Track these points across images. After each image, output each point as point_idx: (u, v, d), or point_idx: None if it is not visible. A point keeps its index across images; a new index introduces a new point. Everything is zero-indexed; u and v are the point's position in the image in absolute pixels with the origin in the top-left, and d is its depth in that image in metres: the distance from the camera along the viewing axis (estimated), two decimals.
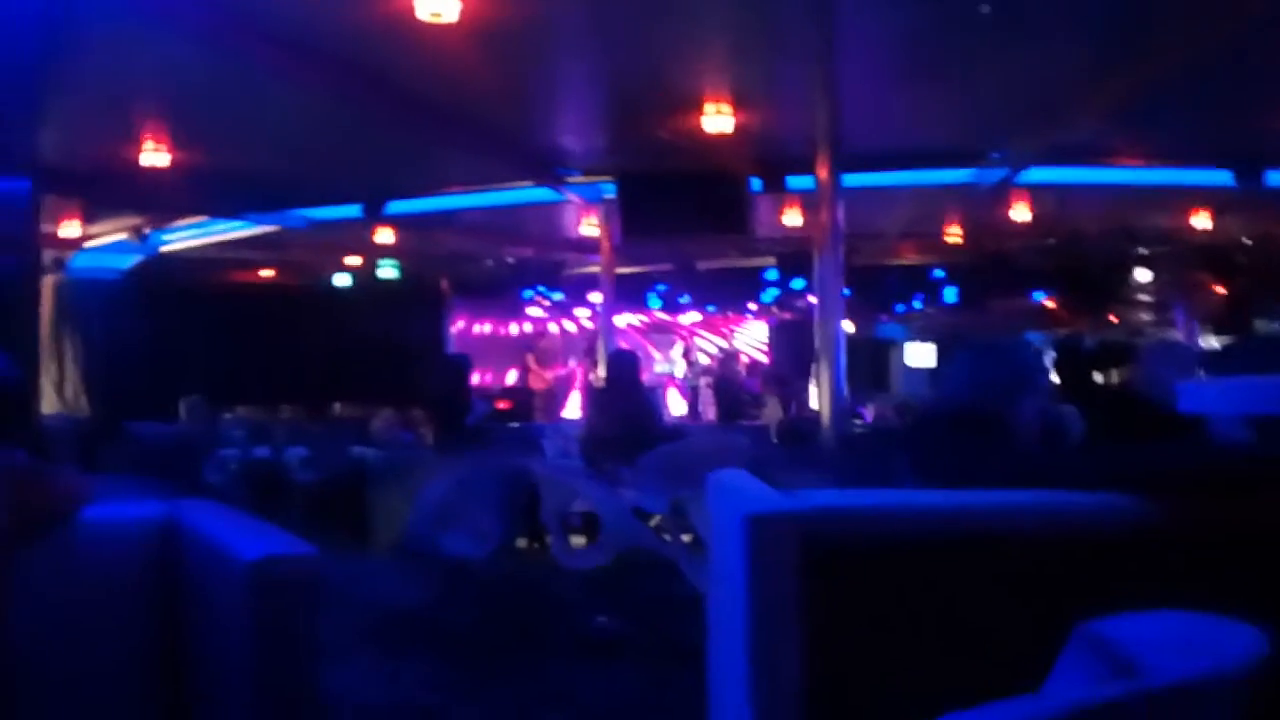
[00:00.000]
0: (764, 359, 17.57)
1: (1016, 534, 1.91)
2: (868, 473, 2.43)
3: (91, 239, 11.11)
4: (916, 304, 15.79)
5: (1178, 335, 14.43)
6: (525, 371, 15.69)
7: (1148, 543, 1.89)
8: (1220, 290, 13.67)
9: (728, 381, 15.37)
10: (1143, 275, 14.07)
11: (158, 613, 2.01)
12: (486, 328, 17.18)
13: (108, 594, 2.01)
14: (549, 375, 15.43)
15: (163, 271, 12.13)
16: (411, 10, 4.97)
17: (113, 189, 8.83)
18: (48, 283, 10.98)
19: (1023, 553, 1.89)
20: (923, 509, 1.95)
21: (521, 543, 5.92)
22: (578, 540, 5.51)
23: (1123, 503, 1.91)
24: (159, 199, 9.43)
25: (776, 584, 1.85)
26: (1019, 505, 1.94)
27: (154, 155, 7.68)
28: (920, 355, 16.37)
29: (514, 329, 17.29)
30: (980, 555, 1.88)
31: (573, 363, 16.14)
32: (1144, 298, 15.39)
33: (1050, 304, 15.39)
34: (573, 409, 15.02)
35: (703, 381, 16.27)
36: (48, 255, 10.78)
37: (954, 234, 12.15)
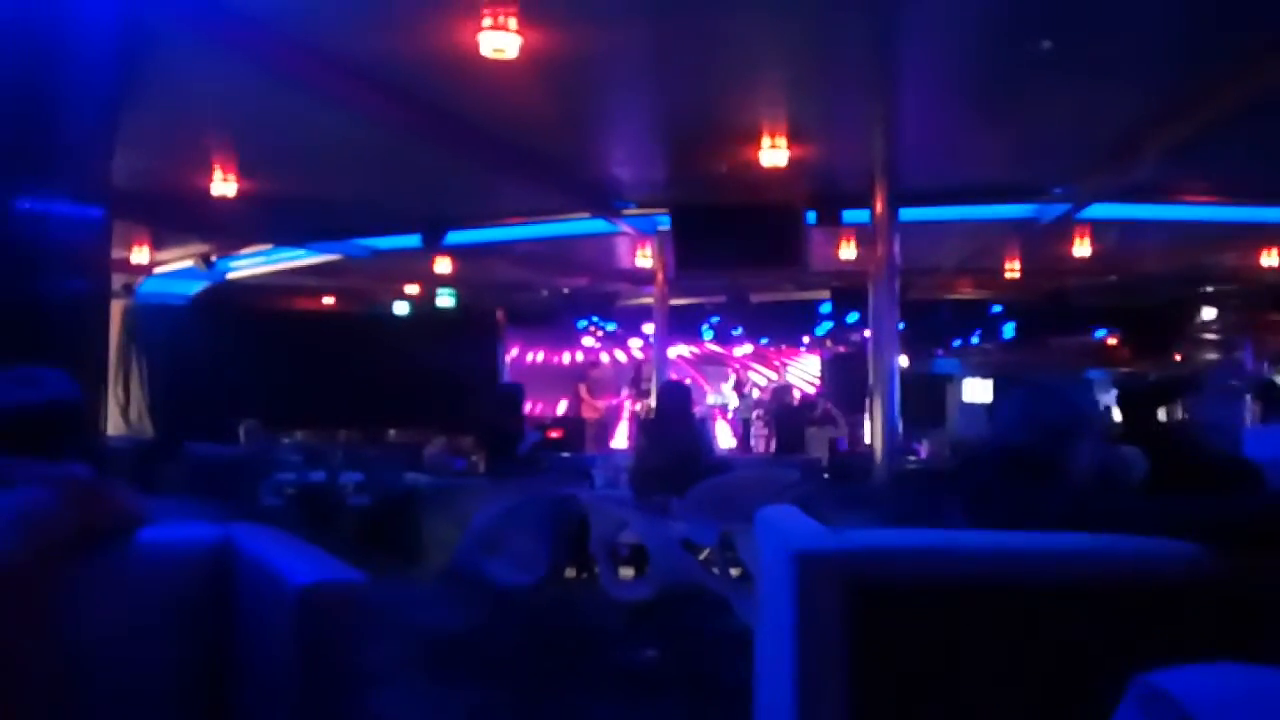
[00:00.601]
0: (815, 386, 17.47)
1: (1071, 579, 1.86)
2: (919, 512, 2.39)
3: (160, 265, 11.42)
4: (974, 340, 15.62)
5: (1231, 358, 14.07)
6: (577, 401, 15.76)
7: (1208, 593, 1.83)
8: None
9: (782, 413, 15.28)
10: (1209, 314, 13.77)
11: (209, 634, 2.04)
12: (539, 356, 17.30)
13: (161, 613, 2.05)
14: (601, 405, 15.48)
15: (227, 298, 12.43)
16: (475, 47, 5.07)
17: (181, 216, 9.08)
18: (117, 307, 11.30)
19: (1078, 599, 1.84)
20: (974, 551, 1.92)
21: (570, 572, 5.92)
22: (625, 571, 5.49)
23: (1183, 550, 1.86)
24: (226, 227, 9.68)
25: (824, 623, 1.83)
26: (1074, 550, 1.90)
27: (222, 184, 7.90)
28: (977, 391, 16.15)
29: (566, 358, 17.39)
30: (1033, 600, 1.84)
31: (624, 393, 16.17)
32: (1210, 336, 15.06)
33: (1112, 342, 15.11)
34: (620, 439, 15.03)
35: (755, 414, 16.19)
36: (118, 280, 11.11)
37: (1012, 269, 12.00)
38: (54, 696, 1.83)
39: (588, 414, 15.15)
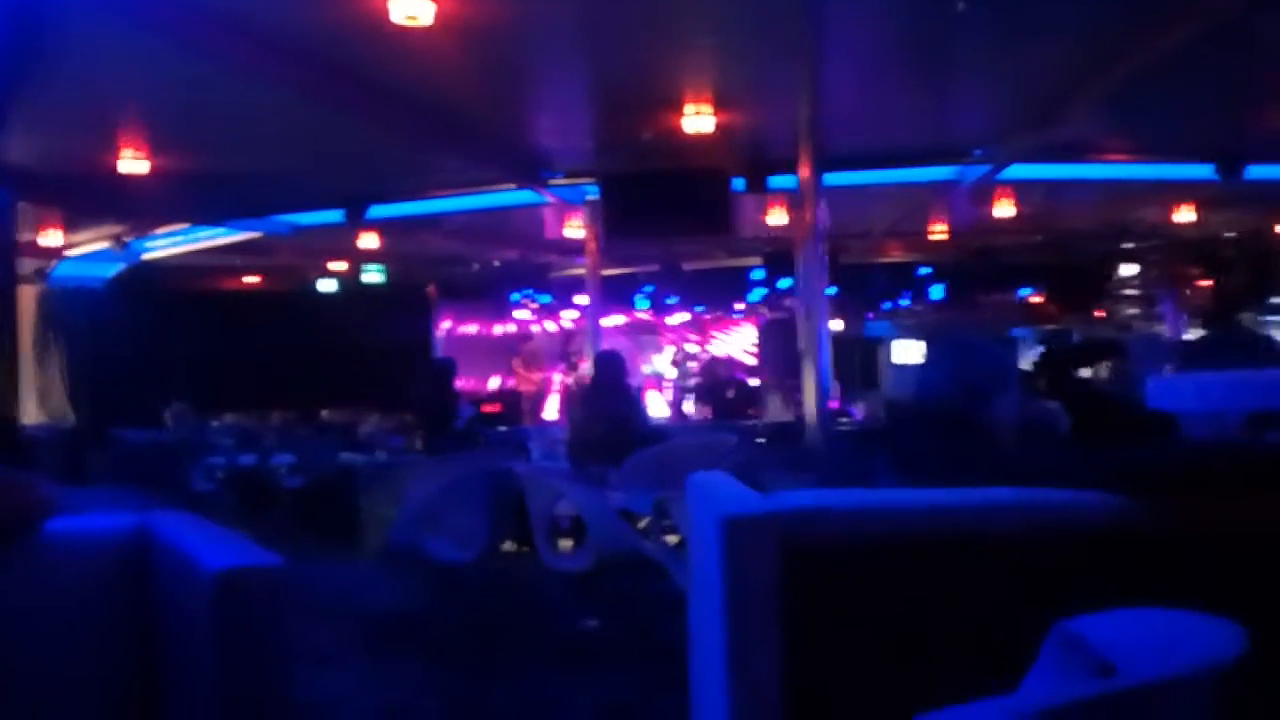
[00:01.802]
0: (752, 361, 17.58)
1: (996, 533, 1.89)
2: (851, 472, 2.41)
3: (73, 248, 11.06)
4: (904, 301, 15.84)
5: (1164, 329, 14.49)
6: (512, 375, 15.67)
7: (1127, 541, 1.87)
8: (1207, 284, 13.73)
9: (715, 381, 15.38)
10: (1129, 270, 14.13)
11: (129, 624, 1.99)
12: (473, 329, 17.15)
13: (79, 604, 1.99)
14: (536, 378, 15.41)
15: (146, 279, 12.08)
16: (385, 13, 4.95)
17: (93, 197, 8.79)
18: (30, 292, 10.94)
19: (1002, 551, 1.87)
20: (902, 509, 1.94)
21: (508, 546, 5.90)
22: (565, 543, 5.49)
23: (1102, 501, 1.90)
24: (140, 206, 9.39)
25: (754, 586, 1.83)
26: (998, 503, 1.93)
27: (133, 162, 7.64)
28: (908, 353, 16.37)
29: (499, 330, 17.28)
30: (960, 554, 1.86)
31: (557, 365, 16.13)
32: (1131, 292, 15.47)
33: (1038, 299, 15.44)
34: (551, 411, 14.97)
35: (691, 382, 16.26)
36: (30, 265, 10.74)
37: (939, 231, 12.18)
38: None
39: (523, 387, 15.07)
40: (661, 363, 17.48)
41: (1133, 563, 1.84)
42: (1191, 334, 13.50)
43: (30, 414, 10.18)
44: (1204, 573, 1.79)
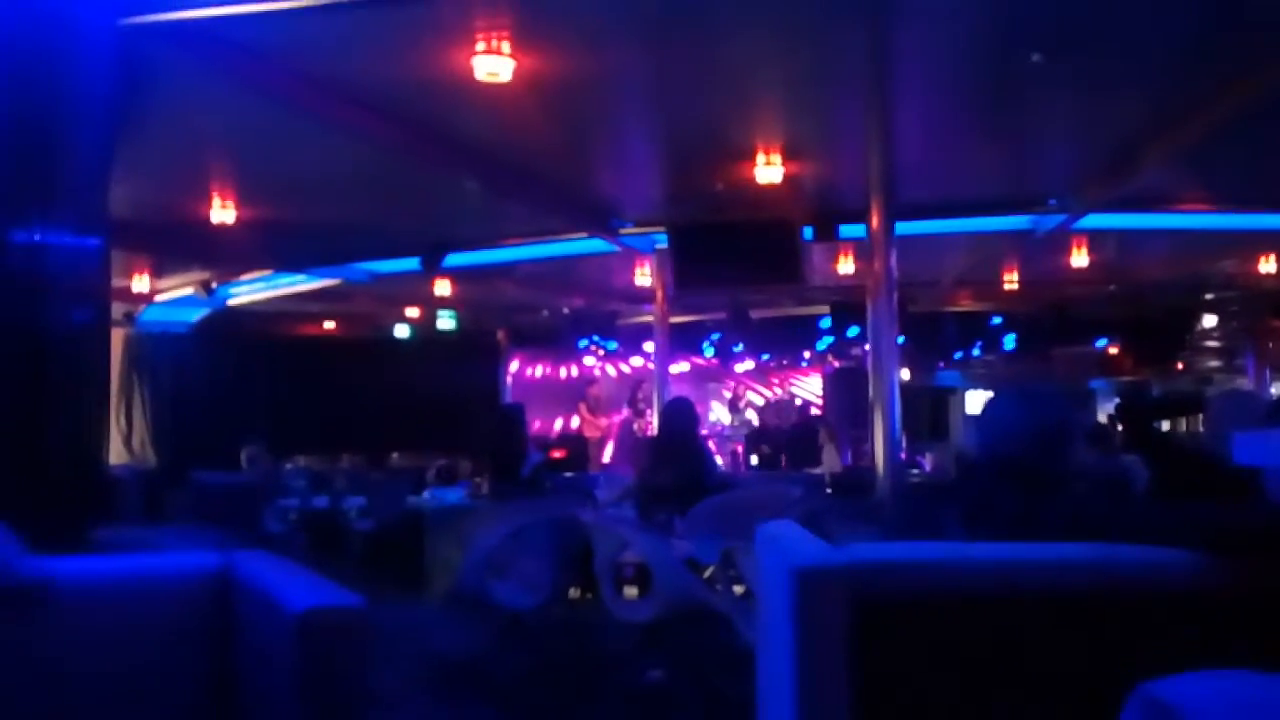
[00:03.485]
0: (817, 406, 17.43)
1: (1072, 589, 1.86)
2: (919, 524, 2.39)
3: (160, 293, 11.44)
4: (975, 352, 15.60)
5: (1246, 382, 14.06)
6: (582, 420, 15.72)
7: (1209, 602, 1.83)
8: None
9: (783, 430, 15.24)
10: (1209, 321, 13.77)
11: (211, 662, 2.04)
12: (538, 371, 17.30)
13: (163, 642, 2.05)
14: (603, 423, 15.43)
15: (228, 324, 12.44)
16: (470, 71, 5.10)
17: (181, 244, 9.11)
18: (118, 335, 11.32)
19: (1079, 608, 1.84)
20: (973, 563, 1.92)
21: (574, 593, 5.90)
22: (630, 591, 5.47)
23: (1184, 559, 1.86)
24: (226, 253, 9.71)
25: (824, 638, 1.82)
26: (1074, 559, 1.90)
27: (221, 211, 7.93)
28: (979, 404, 16.10)
29: (563, 373, 17.40)
30: (1034, 611, 1.83)
31: (623, 411, 16.15)
32: (1211, 344, 15.06)
33: (1114, 351, 15.10)
34: (616, 456, 14.92)
35: (755, 430, 16.14)
36: (119, 309, 11.14)
37: (1011, 281, 12.01)
38: None
39: (589, 433, 15.10)
40: (719, 411, 17.39)
41: (1215, 623, 1.80)
42: (1276, 387, 13.07)
43: (114, 454, 10.51)
44: None
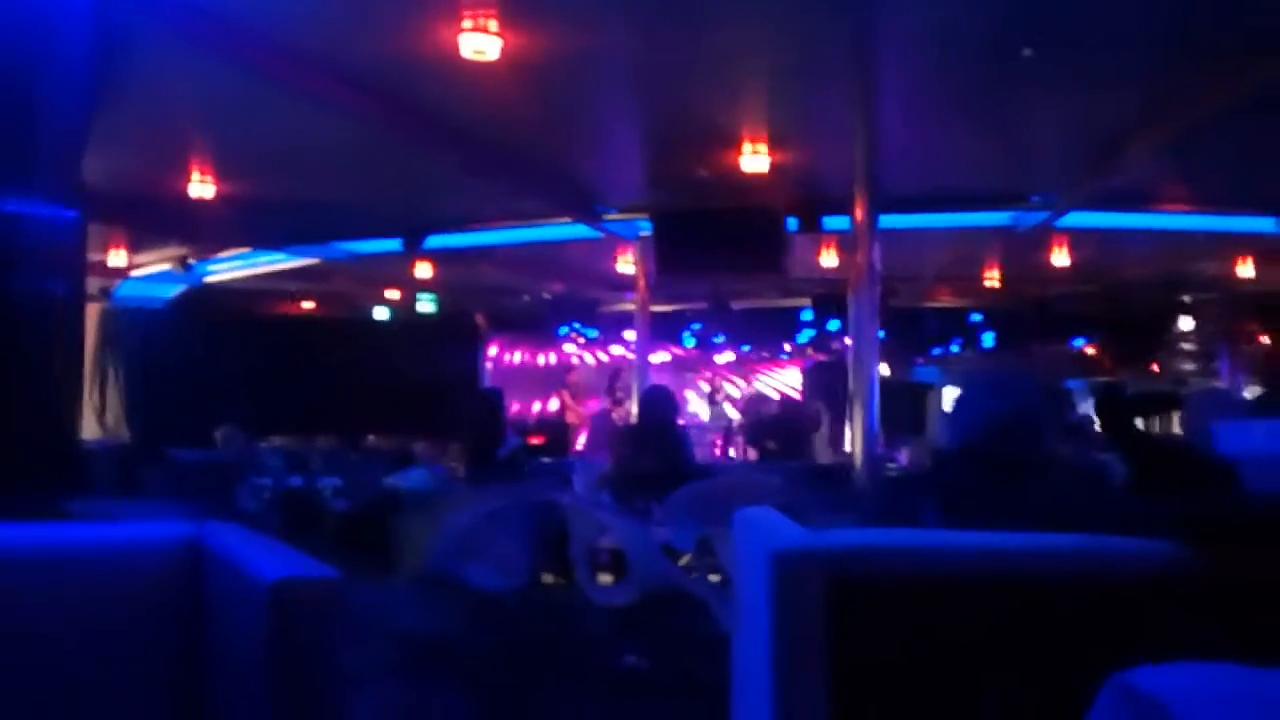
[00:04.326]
0: (796, 398, 17.47)
1: (1048, 577, 1.86)
2: (896, 513, 2.39)
3: (137, 268, 11.34)
4: (954, 348, 15.68)
5: (1221, 385, 14.18)
6: (561, 406, 15.70)
7: (1186, 591, 1.83)
8: (1266, 340, 13.44)
9: (759, 421, 15.27)
10: (1186, 323, 13.88)
11: (181, 632, 2.01)
12: (516, 357, 17.27)
13: (130, 611, 2.02)
14: (583, 410, 15.43)
15: (205, 301, 12.35)
16: (456, 49, 5.06)
17: (159, 218, 9.02)
18: (93, 310, 11.21)
19: (1055, 596, 1.84)
20: (952, 549, 1.92)
21: (548, 578, 5.89)
22: (604, 577, 5.46)
23: (1161, 549, 1.87)
24: (204, 229, 9.62)
25: (802, 622, 1.82)
26: (1051, 547, 1.90)
27: (200, 186, 7.84)
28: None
29: (541, 360, 17.38)
30: (1010, 598, 1.83)
31: (602, 399, 16.14)
32: (1187, 346, 15.18)
33: (1091, 351, 15.21)
34: (590, 444, 14.92)
35: (733, 422, 16.18)
36: (94, 283, 11.02)
37: (992, 278, 12.07)
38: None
39: (572, 419, 15.09)
40: (697, 402, 17.41)
41: (1191, 613, 1.80)
42: (1250, 391, 13.20)
43: (87, 429, 10.41)
44: (1265, 627, 1.75)
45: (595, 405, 15.65)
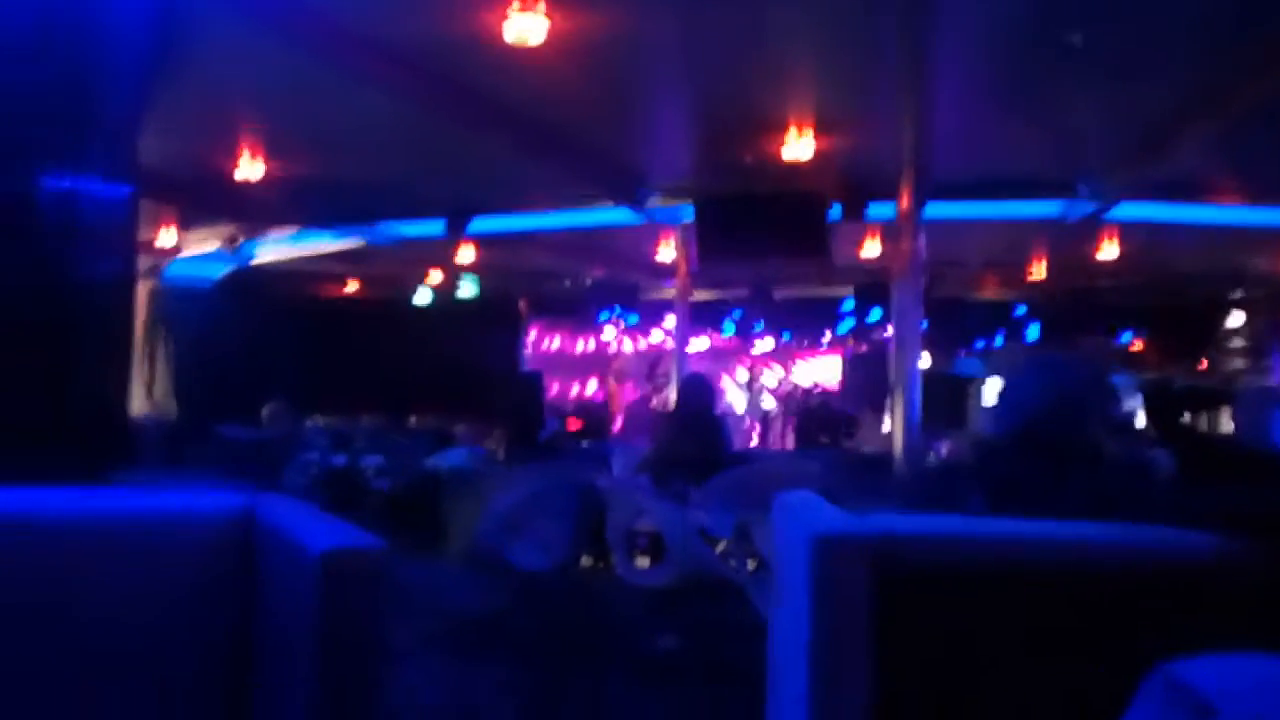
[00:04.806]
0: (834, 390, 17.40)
1: (1095, 567, 1.85)
2: (940, 500, 2.38)
3: (186, 246, 11.51)
4: (998, 341, 15.51)
5: (1273, 382, 13.90)
6: (604, 392, 15.74)
7: (1234, 584, 1.81)
8: None
9: (800, 409, 15.25)
10: (1236, 319, 13.62)
11: (233, 601, 2.05)
12: (555, 343, 17.34)
13: (184, 582, 2.06)
14: (626, 397, 15.47)
15: (253, 281, 12.51)
16: (502, 31, 5.08)
17: (208, 196, 9.14)
18: (143, 289, 11.40)
19: (1101, 587, 1.83)
20: (997, 537, 1.91)
21: (585, 561, 5.92)
22: (641, 561, 5.49)
23: (1210, 542, 1.84)
24: (252, 208, 9.74)
25: (843, 605, 1.82)
26: (1098, 537, 1.88)
27: (250, 166, 7.94)
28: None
29: (580, 346, 17.43)
30: (1057, 588, 1.82)
31: (642, 385, 16.17)
32: (1237, 343, 14.89)
33: (1138, 346, 14.98)
34: (625, 429, 14.94)
35: (774, 409, 16.15)
36: (144, 262, 11.20)
37: (1039, 269, 11.91)
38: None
39: (615, 407, 15.13)
40: (734, 391, 17.36)
41: (1239, 607, 1.78)
42: None
43: (136, 405, 10.60)
44: None
45: (629, 392, 15.69)
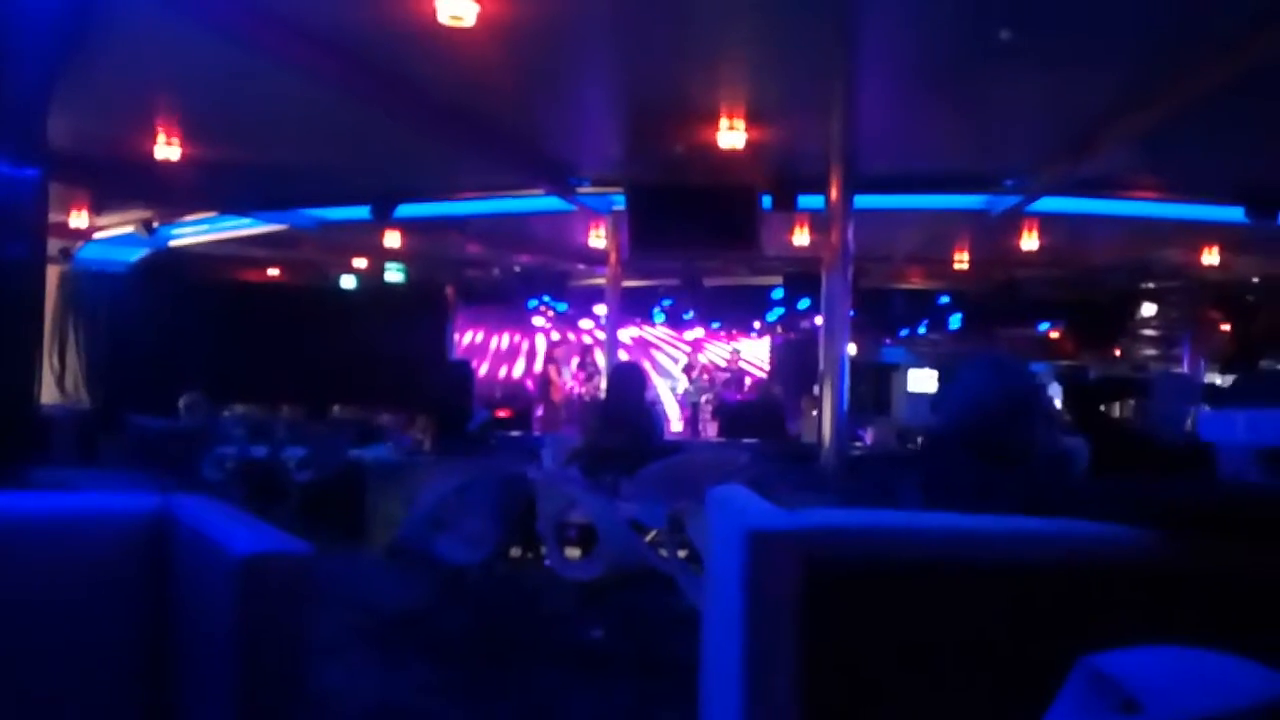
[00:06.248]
0: (765, 375, 17.57)
1: (1024, 561, 1.87)
2: (871, 493, 2.39)
3: (100, 230, 11.12)
4: (921, 329, 15.79)
5: (1182, 371, 14.40)
6: (545, 382, 15.63)
7: (1157, 578, 1.85)
8: (1227, 328, 13.64)
9: (730, 400, 15.35)
10: (1149, 310, 14.06)
11: (146, 604, 1.98)
12: (478, 337, 17.21)
13: (96, 582, 1.98)
14: (570, 388, 15.41)
15: (169, 266, 12.14)
16: (432, 12, 4.97)
17: (123, 180, 8.83)
18: (53, 273, 10.99)
19: (1030, 580, 1.85)
20: (929, 531, 1.92)
21: (515, 552, 5.88)
22: (571, 552, 5.47)
23: (1133, 535, 1.88)
24: (169, 192, 9.44)
25: (776, 600, 1.81)
26: (1027, 531, 1.90)
27: (166, 147, 7.69)
28: (922, 381, 16.34)
29: (508, 334, 17.31)
30: (986, 581, 1.84)
31: (573, 373, 16.12)
32: (1149, 333, 15.38)
33: (1055, 335, 15.38)
34: (546, 419, 14.91)
35: (704, 398, 16.23)
36: (55, 245, 10.80)
37: (962, 260, 12.15)
38: None
39: (555, 395, 15.04)
40: (677, 374, 17.41)
41: (1165, 600, 1.82)
42: (1210, 378, 13.40)
43: (46, 394, 10.23)
44: (1233, 613, 1.77)
45: (576, 379, 15.61)
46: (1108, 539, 1.87)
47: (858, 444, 10.77)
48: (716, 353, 17.75)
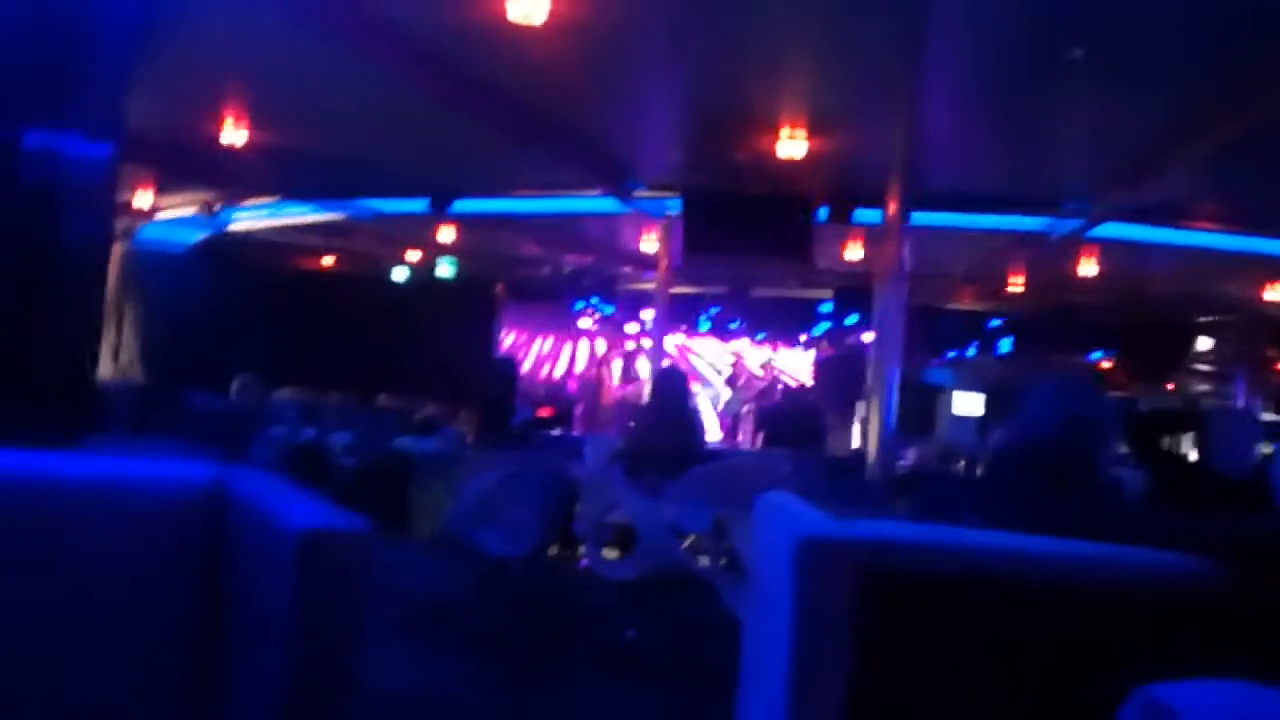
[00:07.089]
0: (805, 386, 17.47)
1: (1080, 584, 1.84)
2: (920, 509, 2.37)
3: (162, 210, 11.32)
4: (970, 351, 15.60)
5: (1242, 406, 14.07)
6: (595, 383, 15.62)
7: (1217, 610, 1.81)
8: None
9: (770, 410, 15.26)
10: (1205, 344, 13.77)
11: (200, 574, 2.00)
12: (523, 336, 17.30)
13: (151, 548, 2.00)
14: (620, 391, 15.41)
15: (228, 249, 12.34)
16: (501, 11, 5.01)
17: (189, 162, 8.98)
18: (114, 251, 11.20)
19: (1085, 605, 1.82)
20: (987, 549, 1.89)
21: (553, 550, 5.90)
22: (609, 552, 5.47)
23: (1194, 566, 1.84)
24: (233, 175, 9.58)
25: (826, 609, 1.80)
26: (1084, 556, 1.87)
27: (233, 132, 7.81)
28: (968, 404, 16.16)
29: (550, 341, 17.37)
30: (1042, 603, 1.81)
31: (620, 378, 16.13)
32: (1204, 367, 15.06)
33: (1107, 365, 15.11)
34: (585, 419, 14.91)
35: (744, 409, 16.16)
36: (118, 224, 11.01)
37: (1016, 283, 11.99)
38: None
39: (606, 399, 15.03)
40: (719, 385, 17.36)
41: (1221, 632, 1.78)
42: (1265, 415, 13.11)
43: (102, 369, 10.43)
44: None
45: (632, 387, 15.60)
46: (1170, 568, 1.83)
47: (901, 463, 10.67)
48: (754, 360, 17.69)
